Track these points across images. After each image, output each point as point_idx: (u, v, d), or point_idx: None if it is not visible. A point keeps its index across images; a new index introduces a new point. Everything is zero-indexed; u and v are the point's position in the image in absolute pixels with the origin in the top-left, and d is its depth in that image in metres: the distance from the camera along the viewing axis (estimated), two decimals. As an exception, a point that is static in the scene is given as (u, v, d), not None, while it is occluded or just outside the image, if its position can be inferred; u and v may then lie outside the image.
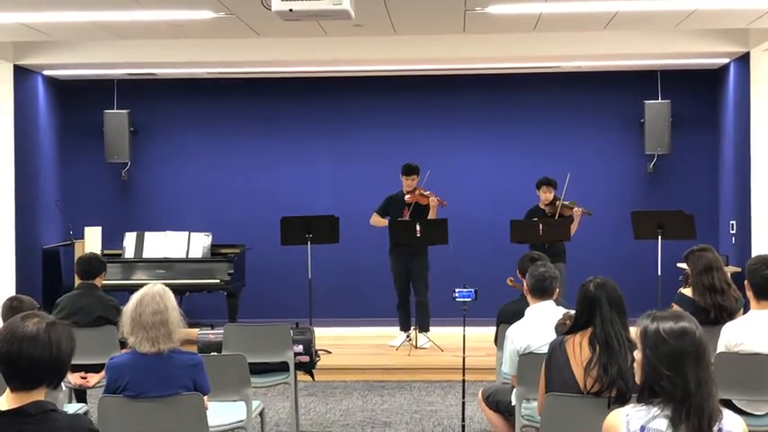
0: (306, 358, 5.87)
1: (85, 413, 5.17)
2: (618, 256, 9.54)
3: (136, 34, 8.04)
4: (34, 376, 2.51)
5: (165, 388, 3.84)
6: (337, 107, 10.26)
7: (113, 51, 8.88)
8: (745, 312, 4.68)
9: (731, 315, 4.89)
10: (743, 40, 8.57)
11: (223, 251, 9.09)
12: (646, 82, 9.88)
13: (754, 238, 8.63)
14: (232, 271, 8.83)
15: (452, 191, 8.85)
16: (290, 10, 5.55)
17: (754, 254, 7.64)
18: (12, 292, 8.30)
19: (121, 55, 8.93)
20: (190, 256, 8.96)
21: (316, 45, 8.52)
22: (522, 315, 4.73)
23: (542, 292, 4.64)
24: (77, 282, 5.83)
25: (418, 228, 8.20)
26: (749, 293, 4.43)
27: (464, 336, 5.91)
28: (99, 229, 9.44)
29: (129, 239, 9.07)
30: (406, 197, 8.53)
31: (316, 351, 6.05)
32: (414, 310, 8.66)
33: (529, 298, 4.76)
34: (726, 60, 9.33)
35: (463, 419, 5.85)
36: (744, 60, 8.86)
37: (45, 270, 9.61)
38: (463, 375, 5.89)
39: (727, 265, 8.28)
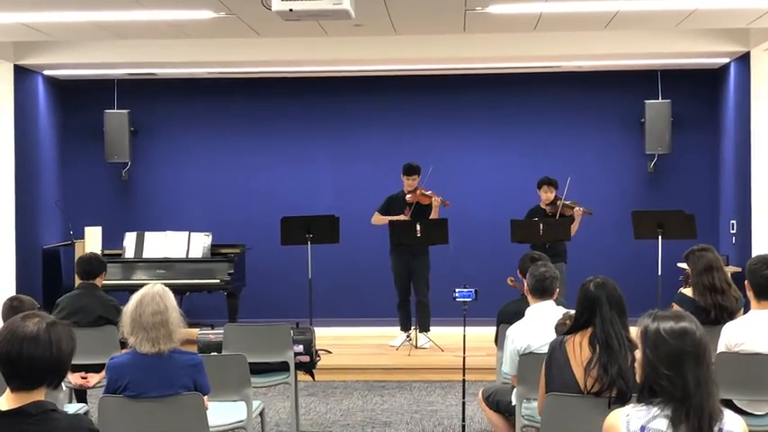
0: (306, 358, 5.87)
1: (86, 413, 5.17)
2: (618, 255, 9.54)
3: (136, 34, 8.04)
4: (34, 376, 2.51)
5: (166, 388, 3.84)
6: (337, 107, 10.26)
7: (113, 51, 8.88)
8: (745, 312, 4.68)
9: (731, 315, 4.89)
10: (743, 40, 8.57)
11: (223, 251, 9.09)
12: (646, 82, 9.87)
13: (755, 238, 8.63)
14: (232, 271, 8.83)
15: (452, 191, 8.85)
16: (290, 10, 5.55)
17: (754, 254, 7.64)
18: (12, 291, 8.31)
19: (121, 55, 8.93)
20: (190, 256, 8.96)
21: (316, 45, 8.52)
22: (523, 315, 4.73)
23: (543, 291, 4.64)
24: (78, 282, 5.83)
25: (418, 228, 8.20)
26: (749, 293, 4.43)
27: (464, 336, 5.91)
28: (99, 228, 9.45)
29: (130, 239, 9.07)
30: (408, 197, 8.53)
31: (316, 351, 6.05)
32: (414, 310, 8.66)
33: (529, 298, 4.76)
34: (726, 60, 9.33)
35: (463, 419, 5.85)
36: (744, 60, 8.86)
37: (45, 270, 9.61)
38: (463, 375, 5.89)
39: (728, 265, 8.28)
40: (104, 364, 4.01)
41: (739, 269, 7.96)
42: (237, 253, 9.08)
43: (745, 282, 4.45)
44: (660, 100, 9.80)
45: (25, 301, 4.58)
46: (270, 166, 10.27)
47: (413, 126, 10.12)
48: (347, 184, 10.16)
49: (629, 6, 6.90)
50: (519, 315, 4.79)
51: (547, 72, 9.98)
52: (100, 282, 5.75)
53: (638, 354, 2.64)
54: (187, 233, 9.07)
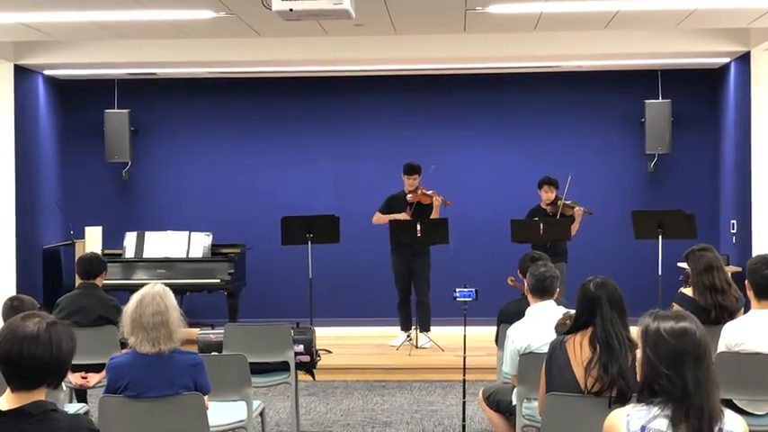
0: (306, 358, 5.87)
1: (86, 413, 5.17)
2: (618, 255, 9.54)
3: (136, 34, 8.04)
4: (35, 376, 2.51)
5: (166, 388, 3.84)
6: (338, 107, 10.27)
7: (114, 51, 8.88)
8: (745, 312, 4.68)
9: (732, 315, 4.89)
10: (743, 40, 8.57)
11: (223, 251, 9.08)
12: (646, 81, 9.88)
13: (755, 238, 8.63)
14: (232, 271, 8.83)
15: (452, 190, 8.84)
16: (291, 10, 5.54)
17: (754, 253, 7.64)
18: (12, 291, 8.31)
19: (122, 55, 8.93)
20: (190, 256, 8.96)
21: (316, 45, 8.52)
22: (523, 315, 4.73)
23: (543, 291, 4.64)
24: (78, 281, 5.84)
25: (419, 227, 8.20)
26: (750, 293, 4.43)
27: (465, 335, 5.91)
28: (99, 228, 9.45)
29: (130, 239, 9.07)
30: (408, 196, 8.53)
31: (316, 351, 6.05)
32: (415, 310, 8.66)
33: (529, 298, 4.76)
34: (726, 60, 9.33)
35: (464, 419, 5.85)
36: (744, 60, 8.86)
37: (45, 270, 9.61)
38: (464, 375, 5.89)
39: (728, 265, 8.28)
40: (105, 364, 4.01)
41: (739, 269, 7.96)
42: (238, 253, 9.08)
43: (746, 281, 4.44)
44: (660, 100, 9.80)
45: (25, 300, 4.58)
46: (270, 166, 10.27)
47: (413, 126, 10.13)
48: (347, 184, 10.16)
49: (629, 6, 6.90)
50: (519, 315, 4.79)
51: (547, 72, 9.98)
52: (100, 281, 5.75)
53: (638, 353, 2.64)
54: (187, 233, 9.07)
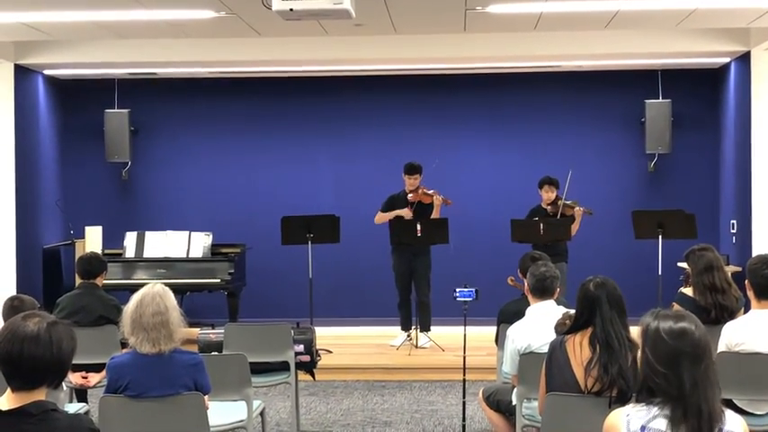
0: (306, 358, 5.87)
1: (86, 413, 5.17)
2: (618, 255, 9.53)
3: (136, 34, 8.04)
4: (35, 376, 2.51)
5: (166, 388, 3.84)
6: (338, 107, 10.26)
7: (114, 51, 8.88)
8: (745, 312, 4.68)
9: (732, 314, 4.89)
10: (743, 40, 8.57)
11: (224, 251, 9.09)
12: (646, 81, 9.88)
13: (755, 238, 8.63)
14: (233, 270, 8.83)
15: (453, 190, 8.84)
16: (291, 9, 5.54)
17: (754, 253, 7.64)
18: (12, 291, 8.31)
19: (122, 54, 8.93)
20: (190, 256, 8.96)
21: (316, 44, 8.52)
22: (523, 314, 4.73)
23: (543, 291, 4.64)
24: (78, 281, 5.84)
25: (419, 227, 8.21)
26: (750, 293, 4.44)
27: (465, 335, 5.91)
28: (99, 228, 9.45)
29: (130, 239, 9.07)
30: (409, 196, 8.53)
31: (316, 351, 6.05)
32: (415, 310, 8.65)
33: (530, 297, 4.76)
34: (726, 60, 9.33)
35: (464, 419, 5.85)
36: (744, 59, 8.86)
37: (45, 270, 9.60)
38: (464, 375, 5.89)
39: (728, 265, 8.29)
40: (105, 364, 4.01)
41: (740, 269, 7.96)
42: (238, 252, 9.08)
43: (746, 281, 4.45)
44: (660, 100, 9.80)
45: (26, 300, 4.58)
46: (270, 166, 10.27)
47: (413, 126, 10.12)
48: (348, 184, 10.16)
49: (629, 6, 6.89)
50: (519, 315, 4.79)
51: (547, 72, 9.98)
52: (100, 281, 5.76)
53: (639, 353, 2.64)
54: (187, 233, 9.07)
